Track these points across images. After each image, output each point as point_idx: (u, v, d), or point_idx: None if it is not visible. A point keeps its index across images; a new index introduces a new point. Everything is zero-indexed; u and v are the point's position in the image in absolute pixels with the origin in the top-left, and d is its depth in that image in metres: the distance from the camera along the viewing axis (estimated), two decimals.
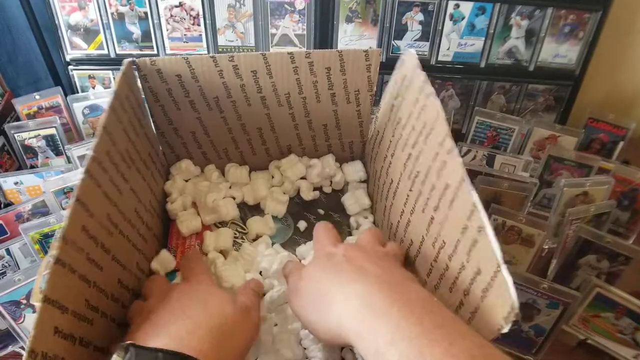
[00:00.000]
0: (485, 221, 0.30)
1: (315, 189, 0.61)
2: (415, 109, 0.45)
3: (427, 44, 0.83)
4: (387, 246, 0.43)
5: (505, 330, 0.27)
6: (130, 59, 0.49)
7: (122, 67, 0.47)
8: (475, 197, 0.32)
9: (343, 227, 0.58)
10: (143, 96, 0.54)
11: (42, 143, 0.72)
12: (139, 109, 0.51)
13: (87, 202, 0.34)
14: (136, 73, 0.51)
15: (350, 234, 0.57)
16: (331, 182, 0.62)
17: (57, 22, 0.80)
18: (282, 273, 0.46)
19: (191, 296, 0.39)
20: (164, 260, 0.51)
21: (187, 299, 0.39)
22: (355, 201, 0.59)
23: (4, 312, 0.50)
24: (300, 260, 0.52)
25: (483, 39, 0.82)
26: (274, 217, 0.58)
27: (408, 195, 0.45)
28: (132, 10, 0.80)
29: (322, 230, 0.46)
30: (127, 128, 0.46)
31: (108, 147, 0.40)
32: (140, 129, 0.50)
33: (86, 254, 0.33)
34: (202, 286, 0.42)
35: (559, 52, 0.83)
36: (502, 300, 0.27)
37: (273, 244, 0.55)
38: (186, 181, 0.60)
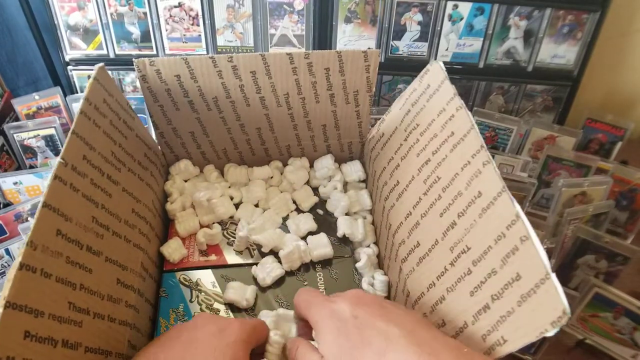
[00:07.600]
0: (530, 231, 0.31)
1: (314, 188, 0.61)
2: (440, 118, 0.45)
3: (426, 44, 0.83)
4: None
5: (551, 333, 0.29)
6: (102, 64, 0.48)
7: (94, 73, 0.46)
8: (518, 208, 0.33)
9: None
10: (139, 97, 0.54)
11: (41, 143, 0.72)
12: (124, 111, 0.50)
13: (59, 206, 0.34)
14: (117, 76, 0.50)
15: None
16: None
17: (56, 22, 0.80)
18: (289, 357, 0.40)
19: None
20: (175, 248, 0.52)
21: None
22: (356, 200, 0.59)
23: None
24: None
25: (481, 39, 0.82)
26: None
27: (420, 199, 0.45)
28: (132, 10, 0.80)
29: (307, 296, 0.40)
30: (109, 131, 0.45)
31: (84, 152, 0.40)
32: (129, 130, 0.50)
33: (65, 258, 0.33)
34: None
35: (557, 52, 0.84)
36: (550, 305, 0.29)
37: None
38: (185, 181, 0.60)
